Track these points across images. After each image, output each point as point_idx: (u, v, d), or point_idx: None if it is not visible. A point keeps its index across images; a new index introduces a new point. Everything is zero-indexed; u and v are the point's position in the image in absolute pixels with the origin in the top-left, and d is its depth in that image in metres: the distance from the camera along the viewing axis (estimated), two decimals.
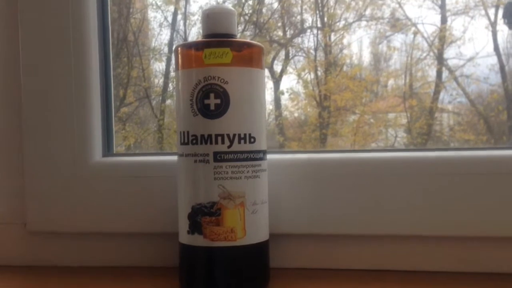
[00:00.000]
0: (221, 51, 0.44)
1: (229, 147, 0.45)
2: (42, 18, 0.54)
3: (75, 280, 0.52)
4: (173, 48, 0.48)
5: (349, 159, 0.52)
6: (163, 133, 0.93)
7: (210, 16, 0.46)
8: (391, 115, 0.95)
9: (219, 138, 0.44)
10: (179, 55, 0.47)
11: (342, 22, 0.89)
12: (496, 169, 0.48)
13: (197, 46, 0.46)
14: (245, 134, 0.45)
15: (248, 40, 0.52)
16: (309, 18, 0.92)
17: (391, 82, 0.96)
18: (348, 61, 0.92)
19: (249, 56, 0.46)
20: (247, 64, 0.45)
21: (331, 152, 0.55)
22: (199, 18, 0.91)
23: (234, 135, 0.45)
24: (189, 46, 0.47)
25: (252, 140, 0.45)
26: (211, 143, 0.45)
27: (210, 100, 0.44)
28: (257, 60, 0.46)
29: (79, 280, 0.52)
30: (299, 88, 0.92)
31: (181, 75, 0.46)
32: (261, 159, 0.46)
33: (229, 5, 0.47)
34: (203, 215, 0.45)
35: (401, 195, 0.49)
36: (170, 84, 0.93)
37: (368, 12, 0.88)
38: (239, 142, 0.45)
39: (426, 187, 0.49)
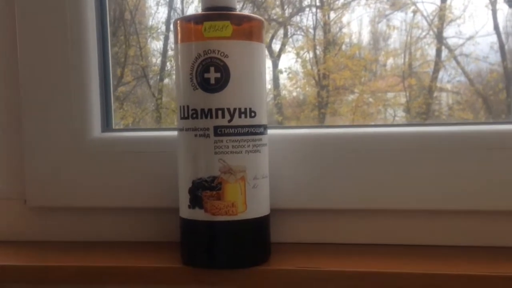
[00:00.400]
0: (221, 24, 0.44)
1: (229, 121, 0.44)
2: None
3: (75, 255, 0.52)
4: (172, 21, 0.47)
5: (348, 134, 0.52)
6: (161, 112, 0.92)
7: None
8: (390, 95, 0.95)
9: (220, 112, 0.44)
10: (179, 28, 0.46)
11: (341, 1, 0.88)
12: (495, 144, 0.48)
13: (197, 19, 0.45)
14: (245, 109, 0.45)
15: (248, 13, 0.52)
16: None
17: (390, 61, 0.96)
18: (347, 40, 0.92)
19: (249, 29, 0.45)
20: (247, 38, 0.45)
21: (330, 127, 0.55)
22: None
23: (235, 109, 0.44)
24: (188, 19, 0.47)
25: (253, 114, 0.45)
26: (211, 117, 0.44)
27: (210, 74, 0.44)
28: (257, 34, 0.46)
29: (79, 254, 0.52)
30: (298, 67, 0.92)
31: (181, 49, 0.46)
32: (261, 133, 0.46)
33: None
34: (204, 189, 0.45)
35: (400, 170, 0.49)
36: (168, 63, 0.93)
37: None
38: (240, 117, 0.45)
39: (426, 162, 0.49)
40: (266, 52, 0.81)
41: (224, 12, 0.45)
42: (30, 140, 0.54)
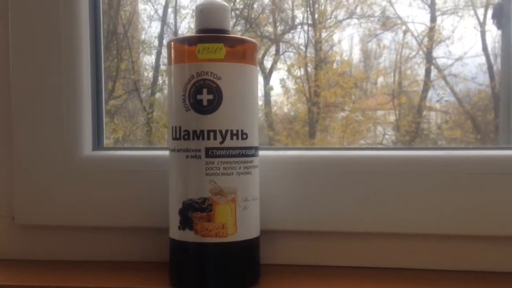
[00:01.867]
0: (214, 47, 0.44)
1: (221, 143, 0.44)
2: (32, 11, 0.53)
3: (64, 274, 0.51)
4: (166, 42, 0.48)
5: (339, 157, 0.52)
6: (152, 126, 0.92)
7: (204, 11, 0.46)
8: (380, 113, 0.96)
9: (211, 134, 0.44)
10: (172, 50, 0.46)
11: (333, 20, 0.89)
12: (485, 169, 0.49)
13: (191, 41, 0.46)
14: (237, 130, 0.45)
15: (241, 36, 0.52)
16: (299, 15, 0.92)
17: (380, 79, 0.97)
18: (338, 58, 0.93)
19: (242, 52, 0.46)
20: (240, 60, 0.45)
21: (321, 149, 0.56)
22: (190, 12, 0.91)
23: (227, 131, 0.45)
24: (182, 41, 0.47)
25: (245, 136, 0.45)
26: (203, 138, 0.44)
27: (203, 95, 0.44)
28: (250, 56, 0.46)
29: (68, 274, 0.51)
30: (289, 83, 0.93)
31: (174, 70, 0.46)
32: (253, 155, 0.46)
33: (222, 1, 0.47)
34: (194, 210, 0.45)
35: (391, 193, 0.50)
36: (159, 78, 0.93)
37: (358, 10, 0.88)
38: (232, 138, 0.45)
39: (416, 186, 0.49)
40: (258, 68, 0.81)
41: (218, 34, 0.45)
42: (20, 156, 0.53)
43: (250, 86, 0.46)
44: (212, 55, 0.44)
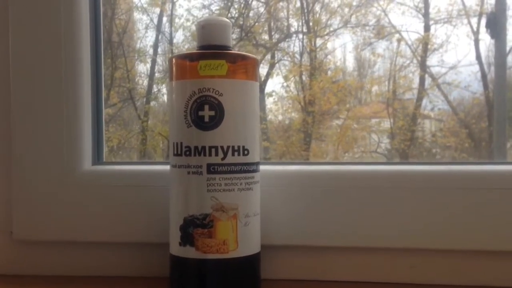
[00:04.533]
0: (216, 63, 0.44)
1: (222, 159, 0.44)
2: (33, 20, 0.52)
3: None
4: (168, 59, 0.48)
5: (339, 171, 0.52)
6: (147, 134, 0.92)
7: (206, 28, 0.46)
8: (374, 121, 0.97)
9: (213, 150, 0.44)
10: (174, 66, 0.46)
11: (328, 29, 0.89)
12: (479, 184, 0.49)
13: (192, 57, 0.46)
14: (239, 146, 0.45)
15: (243, 52, 0.52)
16: (294, 23, 0.93)
17: (375, 88, 0.97)
18: (332, 66, 0.93)
19: (244, 68, 0.46)
20: (242, 77, 0.45)
21: (322, 164, 0.56)
22: (185, 21, 0.91)
23: (228, 147, 0.44)
24: (184, 57, 0.47)
25: (246, 152, 0.45)
26: (204, 155, 0.44)
27: (204, 111, 0.44)
28: (252, 73, 0.46)
29: None
30: (283, 92, 0.93)
31: (175, 86, 0.46)
32: (254, 171, 0.46)
33: (224, 18, 0.47)
34: (195, 226, 0.45)
35: (392, 208, 0.50)
36: (154, 86, 0.92)
37: (353, 19, 0.89)
38: (233, 154, 0.45)
39: (419, 201, 0.49)
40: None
41: (220, 51, 0.45)
42: (19, 170, 0.53)
43: (251, 102, 0.46)
44: (214, 71, 0.44)
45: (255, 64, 0.46)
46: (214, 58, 0.44)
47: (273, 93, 0.92)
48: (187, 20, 0.83)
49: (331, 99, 0.92)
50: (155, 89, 0.93)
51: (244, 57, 0.46)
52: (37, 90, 0.53)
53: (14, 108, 0.53)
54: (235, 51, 0.48)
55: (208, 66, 0.44)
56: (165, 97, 0.92)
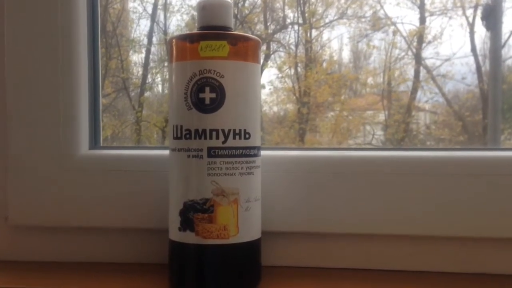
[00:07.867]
0: (217, 44, 0.43)
1: (223, 142, 0.44)
2: (29, 9, 0.51)
3: (58, 276, 0.50)
4: (167, 39, 0.47)
5: (341, 157, 0.51)
6: (141, 125, 0.91)
7: (206, 8, 0.45)
8: (369, 113, 0.96)
9: (214, 133, 0.43)
10: (174, 47, 0.45)
11: (324, 20, 0.89)
12: (481, 170, 0.49)
13: (193, 38, 0.45)
14: (240, 130, 0.44)
15: (244, 33, 0.51)
16: (290, 14, 0.92)
17: (370, 80, 0.97)
18: (327, 58, 0.93)
19: (245, 50, 0.45)
20: (243, 58, 0.44)
21: (323, 149, 0.55)
22: (179, 9, 0.90)
23: (229, 130, 0.44)
24: (184, 38, 0.46)
25: (247, 136, 0.45)
26: (205, 138, 0.43)
27: (205, 94, 0.43)
28: (254, 54, 0.45)
29: (64, 276, 0.50)
30: (277, 84, 0.92)
31: (175, 68, 0.45)
32: (255, 155, 0.45)
33: None
34: (196, 211, 0.44)
35: (394, 194, 0.49)
36: (149, 76, 0.92)
37: (349, 11, 0.88)
38: (234, 138, 0.44)
39: (420, 186, 0.49)
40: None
41: (221, 31, 0.44)
42: (15, 155, 0.52)
43: (253, 85, 0.45)
44: (215, 52, 0.43)
45: (257, 45, 0.46)
46: (215, 39, 0.43)
47: (269, 84, 0.92)
48: (181, 8, 0.83)
49: (326, 90, 0.91)
50: (149, 79, 0.92)
51: (246, 38, 0.46)
52: (33, 74, 0.51)
53: (9, 93, 0.52)
54: (237, 32, 0.47)
55: (209, 47, 0.43)
56: (160, 87, 0.91)
